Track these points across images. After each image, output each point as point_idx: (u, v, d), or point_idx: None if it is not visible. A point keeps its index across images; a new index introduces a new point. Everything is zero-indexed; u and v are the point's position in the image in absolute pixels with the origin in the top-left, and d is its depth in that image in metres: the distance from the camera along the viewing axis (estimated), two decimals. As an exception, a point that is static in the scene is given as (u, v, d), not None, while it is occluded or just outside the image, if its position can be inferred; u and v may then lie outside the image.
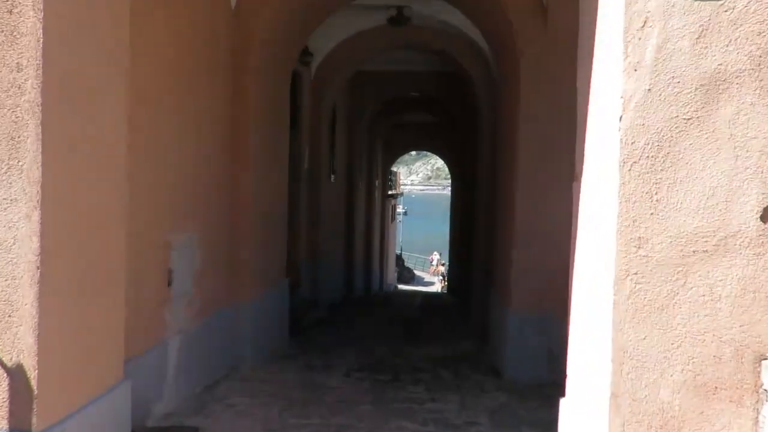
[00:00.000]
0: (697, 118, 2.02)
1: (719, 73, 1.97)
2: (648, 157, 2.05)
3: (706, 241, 2.01)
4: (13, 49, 2.03)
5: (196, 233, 3.94)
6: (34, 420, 2.05)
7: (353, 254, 12.30)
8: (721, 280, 1.97)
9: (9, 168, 2.04)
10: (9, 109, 2.04)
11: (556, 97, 4.52)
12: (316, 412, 3.66)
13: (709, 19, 2.01)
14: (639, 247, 2.06)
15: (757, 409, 1.94)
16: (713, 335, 2.00)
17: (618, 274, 2.04)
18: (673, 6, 2.00)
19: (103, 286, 2.52)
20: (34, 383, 2.04)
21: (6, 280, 2.04)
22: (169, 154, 3.54)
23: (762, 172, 1.94)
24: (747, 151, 1.95)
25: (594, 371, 2.19)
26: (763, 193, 1.95)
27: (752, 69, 1.95)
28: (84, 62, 2.30)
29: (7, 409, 2.05)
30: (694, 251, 2.01)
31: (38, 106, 2.03)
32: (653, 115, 2.03)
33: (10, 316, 2.04)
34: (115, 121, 2.57)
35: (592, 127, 2.39)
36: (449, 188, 23.45)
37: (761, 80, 1.95)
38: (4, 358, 2.04)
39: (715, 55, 2.00)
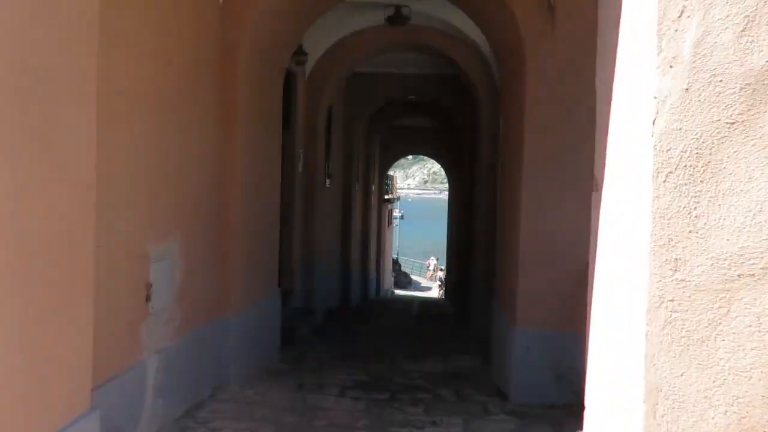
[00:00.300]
0: (742, 122, 1.76)
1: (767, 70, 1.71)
2: (685, 166, 1.78)
3: (753, 264, 1.75)
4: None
5: (178, 243, 3.66)
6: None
7: (350, 260, 12.04)
8: (770, 309, 1.70)
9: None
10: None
11: (566, 99, 4.26)
12: (306, 438, 3.38)
13: (756, 9, 1.75)
14: (675, 270, 1.79)
15: (815, 461, 1.67)
16: (761, 372, 1.74)
17: (651, 300, 1.78)
18: (713, -7, 1.73)
19: (64, 305, 2.23)
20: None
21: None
22: (148, 155, 3.27)
23: (821, 185, 1.67)
24: (801, 159, 1.68)
25: (621, 413, 1.91)
26: (822, 210, 1.68)
27: (807, 65, 1.68)
28: (39, 46, 2.01)
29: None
30: (738, 275, 1.75)
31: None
32: (692, 118, 1.76)
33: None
34: (81, 116, 2.29)
35: (617, 131, 2.12)
36: (446, 192, 23.23)
37: (819, 78, 1.67)
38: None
39: (762, 51, 1.74)
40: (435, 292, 24.71)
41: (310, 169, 8.15)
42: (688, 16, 1.74)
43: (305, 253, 8.12)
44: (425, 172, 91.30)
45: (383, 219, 19.88)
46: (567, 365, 4.17)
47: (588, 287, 2.44)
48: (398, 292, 22.49)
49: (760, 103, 1.71)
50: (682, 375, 1.74)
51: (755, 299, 1.69)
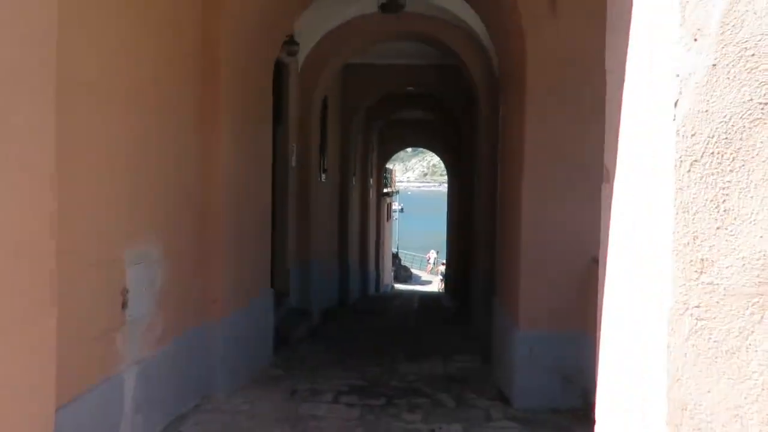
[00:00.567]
0: (778, 101, 1.53)
1: (808, 41, 1.48)
2: (713, 153, 1.56)
3: (791, 264, 1.52)
4: None
5: (158, 246, 3.44)
6: None
7: (347, 256, 11.83)
8: (811, 316, 1.48)
9: None
10: None
11: (570, 84, 4.03)
12: (297, 451, 3.17)
13: (793, -29, 1.52)
14: (701, 272, 1.57)
15: None
16: (800, 387, 1.52)
17: (674, 307, 1.56)
18: (747, -47, 1.49)
19: (17, 318, 2.00)
20: None
21: None
22: (122, 151, 3.05)
23: None
24: None
25: (641, 434, 1.68)
26: None
27: None
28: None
29: None
30: (774, 277, 1.53)
31: None
32: (720, 99, 1.54)
33: None
34: (37, 108, 2.06)
35: (631, 115, 1.89)
36: (446, 185, 23.06)
37: None
38: None
39: (802, 19, 1.51)
40: (435, 285, 24.53)
41: (304, 164, 7.92)
42: (715, -19, 1.51)
43: (300, 251, 7.90)
44: (425, 164, 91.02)
45: (382, 213, 19.66)
46: (573, 367, 3.96)
47: (598, 288, 2.22)
48: (398, 286, 22.30)
49: (798, 80, 1.49)
50: (709, 391, 1.53)
51: (793, 305, 1.48)
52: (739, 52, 1.50)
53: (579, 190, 4.01)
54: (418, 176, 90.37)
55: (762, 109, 1.50)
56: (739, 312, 1.50)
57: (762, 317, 1.51)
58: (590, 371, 4.05)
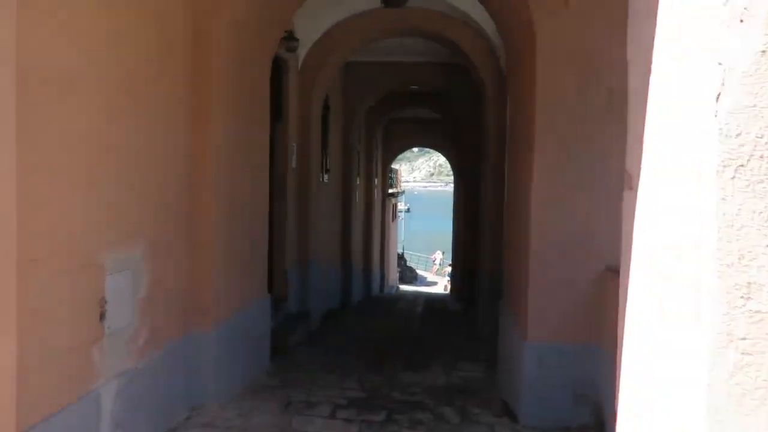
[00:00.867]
0: (841, 95, 1.29)
1: None
2: (762, 156, 1.33)
3: None
4: None
5: (142, 250, 3.22)
6: None
7: (350, 257, 11.61)
8: None
9: None
10: None
11: (582, 80, 3.79)
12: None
13: None
14: (748, 298, 1.34)
15: None
16: None
17: (715, 339, 1.33)
18: None
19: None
20: None
21: None
22: (100, 149, 2.84)
23: None
24: None
25: (674, 486, 1.44)
26: None
27: None
28: None
29: None
30: (835, 305, 1.29)
31: None
32: (771, 91, 1.30)
33: None
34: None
35: (660, 111, 1.64)
36: (452, 185, 22.80)
37: None
38: None
39: None
40: (441, 286, 24.26)
41: (305, 164, 7.69)
42: (766, -49, 1.27)
43: (300, 253, 7.68)
44: (431, 164, 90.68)
45: (387, 213, 19.43)
46: (585, 381, 3.71)
47: (619, 304, 1.97)
48: (403, 287, 22.05)
49: None
50: (757, 438, 1.30)
51: None
52: (795, 36, 1.26)
53: (592, 193, 3.76)
54: (424, 176, 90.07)
55: (822, 104, 1.26)
56: (792, 345, 1.27)
57: (820, 351, 1.27)
58: (603, 387, 3.81)
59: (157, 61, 3.40)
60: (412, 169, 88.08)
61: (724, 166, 1.30)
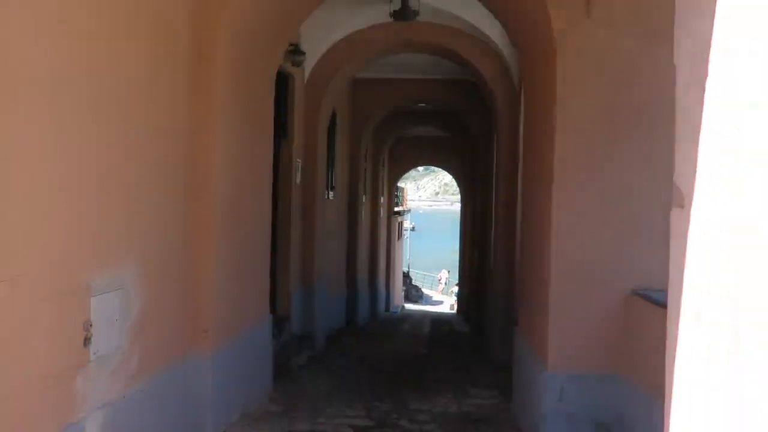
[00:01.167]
0: None
1: None
2: None
3: None
4: None
5: (133, 270, 3.00)
6: None
7: (356, 276, 11.37)
8: None
9: None
10: None
11: (605, 92, 3.58)
12: None
13: None
14: None
15: None
16: None
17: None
18: None
19: None
20: None
21: None
22: (94, 162, 2.64)
23: None
24: None
25: None
26: None
27: None
28: None
29: None
30: None
31: None
32: None
33: None
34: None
35: (721, 120, 1.41)
36: (458, 204, 22.57)
37: None
38: None
39: None
40: (447, 306, 23.90)
41: (310, 181, 7.49)
42: None
43: (304, 272, 7.45)
44: (437, 183, 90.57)
45: (393, 232, 19.19)
46: (609, 414, 3.44)
47: (667, 339, 1.73)
48: (409, 306, 21.71)
49: None
50: None
51: None
52: None
53: (617, 213, 3.53)
54: (429, 195, 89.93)
55: None
56: None
57: None
58: (629, 419, 3.53)
59: (156, 71, 3.22)
60: (418, 188, 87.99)
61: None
